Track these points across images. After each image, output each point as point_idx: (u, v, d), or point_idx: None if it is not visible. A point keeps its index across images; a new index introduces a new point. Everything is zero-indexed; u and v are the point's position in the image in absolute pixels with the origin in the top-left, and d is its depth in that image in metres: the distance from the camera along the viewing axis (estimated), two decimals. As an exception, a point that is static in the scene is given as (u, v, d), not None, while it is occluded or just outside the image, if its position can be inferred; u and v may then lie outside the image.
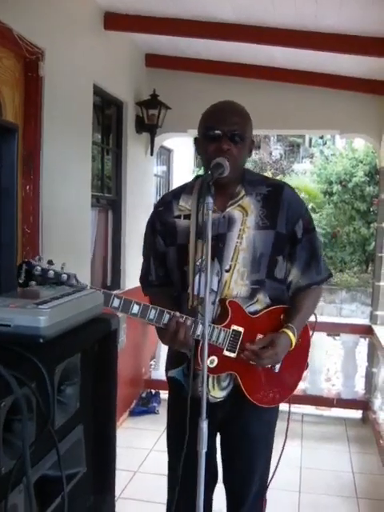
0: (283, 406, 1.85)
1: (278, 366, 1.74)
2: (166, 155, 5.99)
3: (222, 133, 1.63)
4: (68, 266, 1.56)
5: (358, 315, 9.74)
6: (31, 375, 1.03)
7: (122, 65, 3.86)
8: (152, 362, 4.71)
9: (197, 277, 1.59)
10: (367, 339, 4.45)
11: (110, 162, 4.05)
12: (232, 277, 1.68)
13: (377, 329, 4.10)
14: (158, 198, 2.16)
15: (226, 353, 1.67)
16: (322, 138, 14.15)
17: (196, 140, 1.76)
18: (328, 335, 4.61)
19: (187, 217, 1.73)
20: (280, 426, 1.85)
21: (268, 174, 12.95)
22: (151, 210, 1.91)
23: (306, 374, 3.64)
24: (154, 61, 4.24)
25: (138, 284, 1.94)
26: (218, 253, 1.67)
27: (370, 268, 10.67)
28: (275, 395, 1.76)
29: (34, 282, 1.47)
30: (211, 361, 1.64)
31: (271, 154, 15.38)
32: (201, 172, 6.07)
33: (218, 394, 1.72)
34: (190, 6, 3.12)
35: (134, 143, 4.12)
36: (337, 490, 3.10)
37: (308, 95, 4.09)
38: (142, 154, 4.34)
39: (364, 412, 4.23)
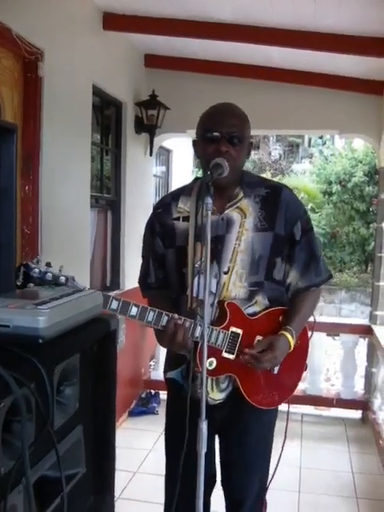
0: (282, 406, 1.84)
1: (277, 368, 1.73)
2: (165, 155, 5.98)
3: (221, 135, 1.63)
4: (67, 267, 1.56)
5: (357, 315, 9.75)
6: (30, 376, 1.03)
7: (121, 65, 3.86)
8: (151, 363, 4.71)
9: (196, 279, 1.59)
10: (366, 339, 4.45)
11: (109, 162, 4.05)
12: (230, 279, 1.68)
13: (376, 329, 4.10)
14: (158, 199, 2.16)
15: (225, 354, 1.67)
16: (321, 138, 14.17)
17: (194, 142, 1.76)
18: (327, 335, 4.61)
19: (186, 219, 1.73)
20: (279, 426, 1.85)
21: (267, 174, 12.98)
22: (150, 210, 1.91)
23: (305, 374, 3.64)
24: (153, 61, 4.24)
25: (137, 284, 1.94)
26: (217, 255, 1.66)
27: (369, 268, 10.69)
28: (274, 397, 1.75)
29: (31, 285, 1.47)
30: (210, 362, 1.63)
31: (270, 154, 15.40)
32: (200, 173, 6.08)
33: (217, 396, 1.71)
34: (187, 6, 3.12)
35: (133, 143, 4.12)
36: (336, 490, 3.10)
37: (307, 95, 4.09)
38: (141, 154, 4.34)
39: (363, 412, 4.23)
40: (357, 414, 4.30)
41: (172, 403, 1.87)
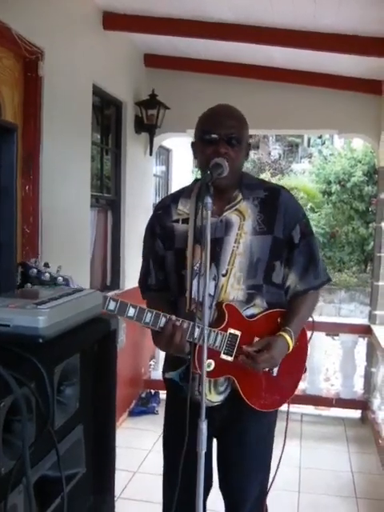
0: (282, 406, 1.84)
1: (276, 370, 1.72)
2: (165, 155, 5.98)
3: (219, 136, 1.63)
4: (67, 266, 1.55)
5: (356, 315, 9.75)
6: (30, 375, 1.03)
7: (122, 65, 3.86)
8: (151, 362, 4.71)
9: (194, 281, 1.58)
10: (366, 339, 4.45)
11: (109, 162, 4.05)
12: (228, 281, 1.67)
13: (375, 328, 4.10)
14: (158, 200, 2.16)
15: (223, 356, 1.66)
16: (320, 137, 14.18)
17: (193, 144, 1.76)
18: (327, 335, 4.62)
19: (185, 221, 1.73)
20: (279, 426, 1.85)
21: (267, 173, 12.98)
22: (150, 210, 1.91)
23: (304, 376, 3.65)
24: (153, 61, 4.24)
25: (137, 284, 1.94)
26: (215, 257, 1.66)
27: (368, 268, 10.69)
28: (274, 399, 1.74)
29: (29, 284, 1.47)
30: (208, 364, 1.61)
31: (270, 153, 15.41)
32: (200, 174, 6.08)
33: (215, 398, 1.70)
34: (188, 5, 3.12)
35: (133, 143, 4.12)
36: (336, 490, 3.11)
37: (307, 95, 4.09)
38: (141, 153, 4.34)
39: (363, 412, 4.24)
40: (356, 413, 4.30)
41: (171, 403, 1.87)
